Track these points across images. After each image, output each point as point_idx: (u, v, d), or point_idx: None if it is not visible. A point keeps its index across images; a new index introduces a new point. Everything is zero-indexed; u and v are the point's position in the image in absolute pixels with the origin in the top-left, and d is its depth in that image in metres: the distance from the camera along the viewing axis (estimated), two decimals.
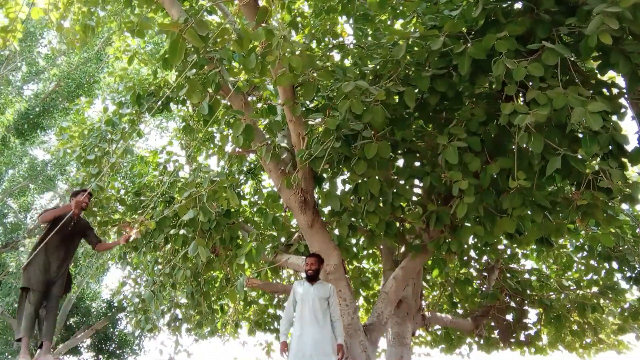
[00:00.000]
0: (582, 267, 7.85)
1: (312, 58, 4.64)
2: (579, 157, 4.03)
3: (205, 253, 5.56)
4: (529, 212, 4.46)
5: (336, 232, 6.16)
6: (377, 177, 4.74)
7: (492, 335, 8.23)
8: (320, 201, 5.76)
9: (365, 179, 4.79)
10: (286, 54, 3.93)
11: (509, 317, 8.08)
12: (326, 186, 5.60)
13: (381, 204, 5.17)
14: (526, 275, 8.29)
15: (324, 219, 5.90)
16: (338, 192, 5.37)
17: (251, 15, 4.56)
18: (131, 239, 5.43)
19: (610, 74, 4.81)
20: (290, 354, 4.98)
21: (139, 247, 7.15)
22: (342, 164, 4.87)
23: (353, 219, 5.62)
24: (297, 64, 3.96)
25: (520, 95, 4.46)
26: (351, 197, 5.38)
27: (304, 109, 5.20)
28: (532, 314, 8.18)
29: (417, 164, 5.28)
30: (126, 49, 7.85)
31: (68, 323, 18.46)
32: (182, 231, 6.21)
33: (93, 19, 6.25)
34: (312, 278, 5.30)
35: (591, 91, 3.91)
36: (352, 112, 4.22)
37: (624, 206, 6.53)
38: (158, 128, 15.93)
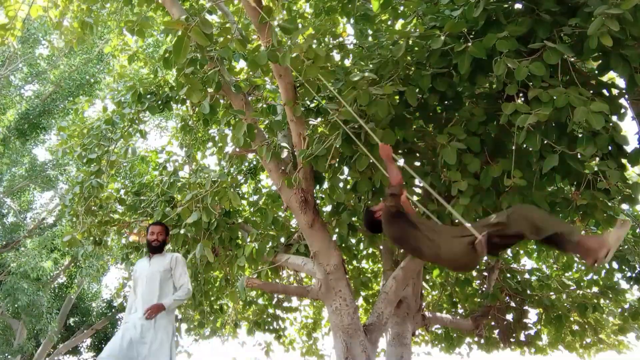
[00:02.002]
0: (582, 267, 7.85)
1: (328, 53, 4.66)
2: (578, 156, 4.04)
3: (211, 254, 5.56)
4: None
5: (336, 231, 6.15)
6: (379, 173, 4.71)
7: (492, 335, 8.23)
8: (319, 201, 5.76)
9: (367, 176, 4.76)
10: (309, 46, 3.98)
11: (509, 317, 8.08)
12: (327, 185, 5.60)
13: None
14: (526, 275, 8.30)
15: (324, 219, 5.90)
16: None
17: (253, 14, 4.55)
18: (130, 239, 5.41)
19: (611, 74, 4.82)
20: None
21: (140, 248, 7.14)
22: (343, 163, 4.86)
23: (353, 219, 5.61)
24: (322, 53, 4.02)
25: (521, 95, 4.46)
26: (352, 196, 5.37)
27: (304, 109, 5.20)
28: (532, 314, 8.20)
29: (417, 164, 5.28)
30: (123, 48, 7.83)
31: (68, 323, 18.46)
32: (181, 231, 6.21)
33: (92, 17, 6.24)
34: (157, 250, 4.69)
35: (591, 92, 3.91)
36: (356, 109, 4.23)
37: (624, 206, 6.54)
38: (158, 128, 15.94)
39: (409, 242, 3.44)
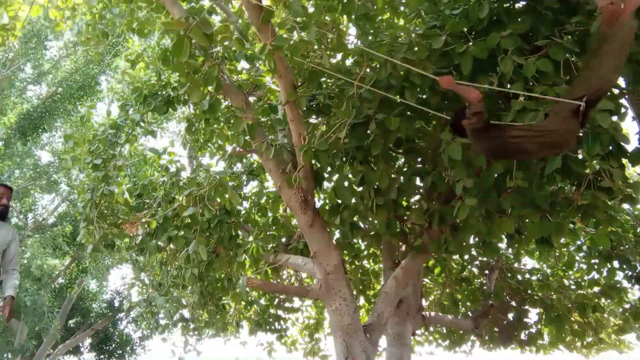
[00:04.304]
0: (584, 267, 7.84)
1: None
2: (579, 157, 4.03)
3: (205, 252, 5.55)
4: (528, 212, 4.46)
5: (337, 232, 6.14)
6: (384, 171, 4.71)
7: (494, 335, 8.23)
8: (322, 201, 5.74)
9: (372, 169, 4.75)
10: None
11: (510, 316, 8.08)
12: (329, 185, 5.58)
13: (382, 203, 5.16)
14: (527, 275, 8.29)
15: (324, 218, 5.89)
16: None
17: (255, 16, 4.55)
18: (126, 231, 5.37)
19: None
20: None
21: (145, 248, 7.11)
22: (349, 158, 4.84)
23: (355, 218, 5.58)
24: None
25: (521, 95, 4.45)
26: (358, 192, 5.32)
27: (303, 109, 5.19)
28: (533, 314, 8.19)
29: (418, 164, 5.28)
30: (139, 53, 7.72)
31: (68, 323, 18.47)
32: (182, 232, 6.21)
33: (101, 22, 6.24)
34: (3, 217, 4.15)
35: None
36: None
37: (625, 205, 6.53)
38: (159, 128, 15.95)
39: (508, 150, 3.34)
